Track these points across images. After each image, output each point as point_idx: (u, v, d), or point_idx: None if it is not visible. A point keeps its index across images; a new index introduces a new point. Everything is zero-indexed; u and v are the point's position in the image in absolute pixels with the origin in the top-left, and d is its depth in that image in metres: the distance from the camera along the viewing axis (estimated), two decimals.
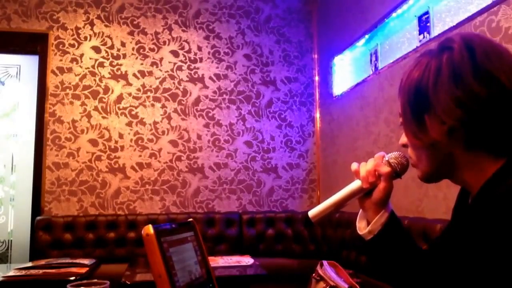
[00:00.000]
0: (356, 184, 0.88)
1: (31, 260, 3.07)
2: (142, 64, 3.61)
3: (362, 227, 0.89)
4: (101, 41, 3.58)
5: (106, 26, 3.60)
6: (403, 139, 0.85)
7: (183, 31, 3.71)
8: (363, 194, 0.88)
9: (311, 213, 0.91)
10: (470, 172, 0.76)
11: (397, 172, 0.86)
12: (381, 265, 0.89)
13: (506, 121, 0.71)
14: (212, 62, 3.72)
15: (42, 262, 2.64)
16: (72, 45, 3.54)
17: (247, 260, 2.60)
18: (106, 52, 3.58)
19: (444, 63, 0.74)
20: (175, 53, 3.67)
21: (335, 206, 0.90)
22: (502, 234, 0.61)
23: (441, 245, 0.86)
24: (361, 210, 0.91)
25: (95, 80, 3.54)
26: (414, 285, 0.85)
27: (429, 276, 0.81)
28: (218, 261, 2.55)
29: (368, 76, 2.97)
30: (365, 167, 0.87)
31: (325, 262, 1.73)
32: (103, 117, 3.51)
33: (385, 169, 0.85)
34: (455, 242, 0.78)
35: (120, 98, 3.55)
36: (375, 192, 0.86)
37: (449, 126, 0.74)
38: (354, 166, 0.89)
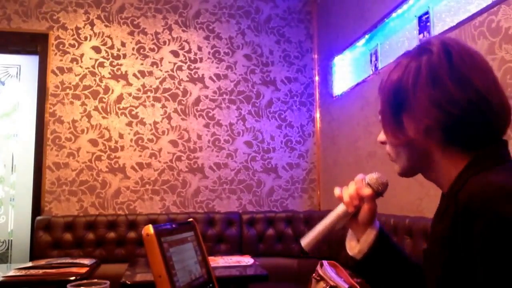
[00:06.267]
0: (341, 208, 0.91)
1: (31, 260, 3.07)
2: (142, 64, 3.61)
3: (352, 247, 0.91)
4: (101, 41, 3.58)
5: (106, 26, 3.60)
6: (382, 136, 0.88)
7: (183, 31, 3.70)
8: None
9: (304, 242, 0.92)
10: (445, 167, 0.79)
11: (379, 192, 0.89)
12: (375, 283, 0.91)
13: (480, 120, 0.74)
14: (212, 62, 3.72)
15: (42, 262, 2.64)
16: (72, 45, 3.54)
17: (247, 260, 2.60)
18: (106, 52, 3.58)
19: (423, 65, 0.77)
20: (175, 53, 3.67)
21: (325, 232, 0.91)
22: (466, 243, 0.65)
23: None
24: (350, 230, 0.93)
25: (95, 80, 3.53)
26: None
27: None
28: (218, 261, 2.55)
29: (368, 76, 2.97)
30: (347, 192, 0.90)
31: (325, 262, 1.73)
32: (103, 117, 3.51)
33: (367, 191, 0.88)
34: (431, 246, 0.81)
35: (120, 98, 3.55)
36: (361, 213, 0.89)
37: (426, 125, 0.77)
38: (337, 191, 0.92)
